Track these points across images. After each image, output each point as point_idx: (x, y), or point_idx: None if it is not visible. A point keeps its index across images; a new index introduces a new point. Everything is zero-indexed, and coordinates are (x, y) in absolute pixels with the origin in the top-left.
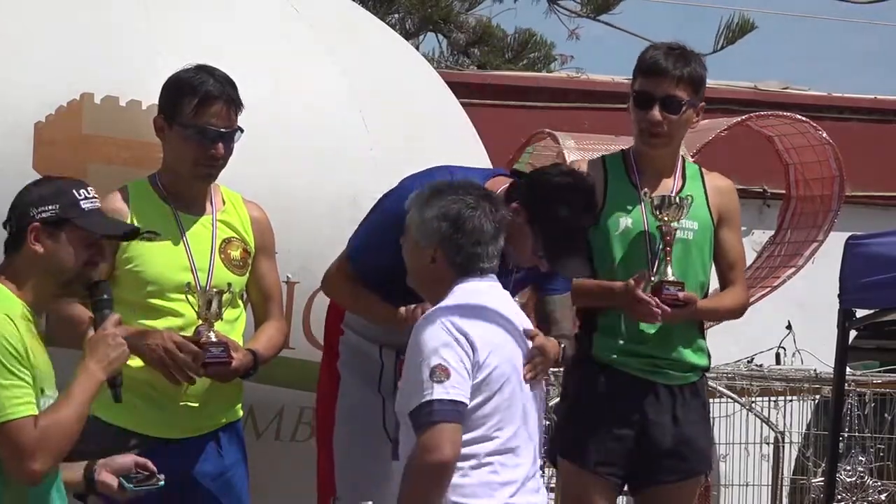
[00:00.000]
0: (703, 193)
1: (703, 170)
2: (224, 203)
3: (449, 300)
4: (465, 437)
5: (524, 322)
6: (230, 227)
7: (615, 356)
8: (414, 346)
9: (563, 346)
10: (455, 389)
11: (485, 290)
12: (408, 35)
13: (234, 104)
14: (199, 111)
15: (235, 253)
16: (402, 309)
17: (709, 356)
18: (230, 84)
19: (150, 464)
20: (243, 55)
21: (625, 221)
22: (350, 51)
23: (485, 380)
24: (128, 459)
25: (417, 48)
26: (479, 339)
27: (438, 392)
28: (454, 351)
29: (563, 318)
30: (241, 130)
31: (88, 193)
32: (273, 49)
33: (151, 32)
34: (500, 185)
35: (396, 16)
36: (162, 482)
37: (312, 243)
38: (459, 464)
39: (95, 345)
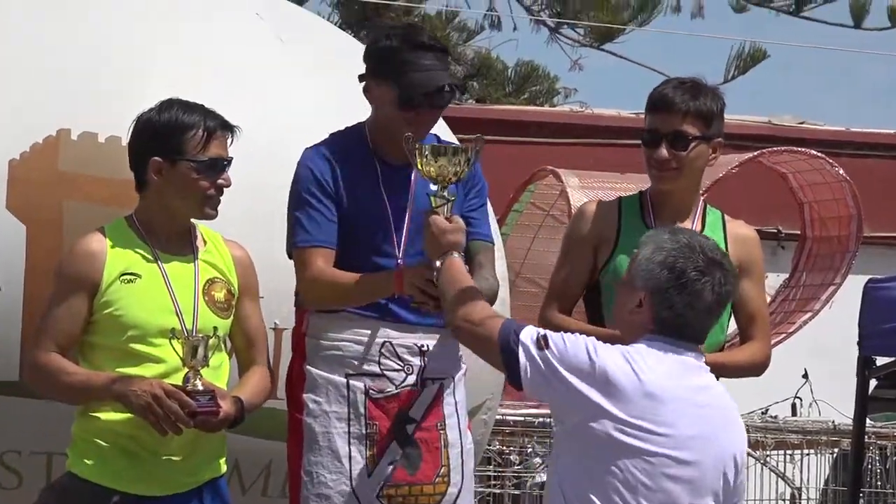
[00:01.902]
0: (724, 242)
1: (727, 217)
2: (205, 242)
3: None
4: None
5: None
6: (213, 267)
7: None
8: None
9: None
10: (544, 352)
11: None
12: None
13: (231, 131)
14: (206, 144)
15: (219, 294)
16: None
17: None
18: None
19: None
20: (228, 87)
21: None
22: (339, 81)
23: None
24: None
25: None
26: (662, 401)
27: (528, 338)
28: (598, 364)
29: (486, 259)
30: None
31: None
32: (258, 82)
33: (131, 66)
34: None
35: None
36: None
37: None
38: None
39: None
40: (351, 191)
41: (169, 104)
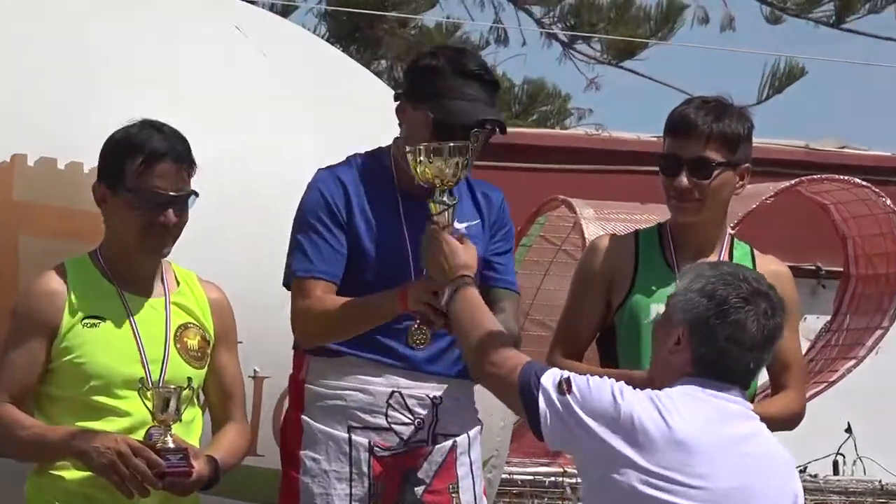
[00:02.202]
0: None
1: (756, 252)
2: (178, 283)
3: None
4: None
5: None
6: (186, 311)
7: None
8: None
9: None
10: (565, 397)
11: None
12: (396, 85)
13: (186, 163)
14: (144, 173)
15: (193, 341)
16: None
17: None
18: (180, 140)
19: None
20: (205, 106)
21: (656, 308)
22: (326, 99)
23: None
24: None
25: None
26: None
27: (549, 382)
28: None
29: (509, 308)
30: (196, 194)
31: None
32: (239, 101)
33: (95, 83)
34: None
35: (384, 62)
36: None
37: (284, 331)
38: None
39: None
40: (366, 222)
41: (141, 124)
